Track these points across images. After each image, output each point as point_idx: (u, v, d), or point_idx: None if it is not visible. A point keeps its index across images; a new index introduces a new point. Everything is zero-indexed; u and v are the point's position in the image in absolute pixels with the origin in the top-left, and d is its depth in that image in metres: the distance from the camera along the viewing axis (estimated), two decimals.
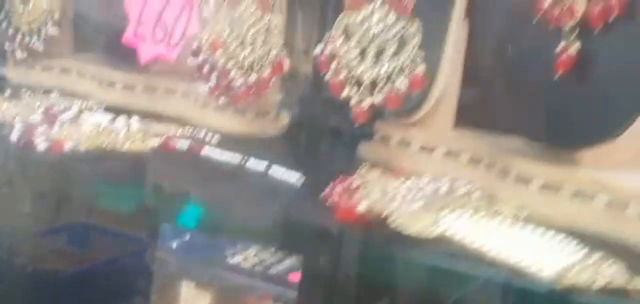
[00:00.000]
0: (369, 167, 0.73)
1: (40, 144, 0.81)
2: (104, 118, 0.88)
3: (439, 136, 0.75)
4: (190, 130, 0.86)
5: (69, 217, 1.18)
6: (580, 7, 0.60)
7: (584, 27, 0.61)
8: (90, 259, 1.13)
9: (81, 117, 0.89)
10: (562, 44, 0.62)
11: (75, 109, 0.91)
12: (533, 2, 0.64)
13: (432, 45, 0.72)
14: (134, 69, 0.95)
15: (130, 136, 0.82)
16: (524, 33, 0.67)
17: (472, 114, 0.76)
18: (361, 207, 0.62)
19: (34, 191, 1.12)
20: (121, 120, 0.86)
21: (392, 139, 0.78)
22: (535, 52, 0.66)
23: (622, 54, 0.60)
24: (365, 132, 0.78)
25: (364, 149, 0.79)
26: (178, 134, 0.85)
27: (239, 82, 0.82)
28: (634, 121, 0.59)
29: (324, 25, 0.76)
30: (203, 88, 0.87)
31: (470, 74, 0.76)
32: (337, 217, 0.64)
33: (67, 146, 0.81)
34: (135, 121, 0.86)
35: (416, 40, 0.67)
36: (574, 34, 0.61)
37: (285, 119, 0.86)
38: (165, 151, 0.82)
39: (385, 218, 0.60)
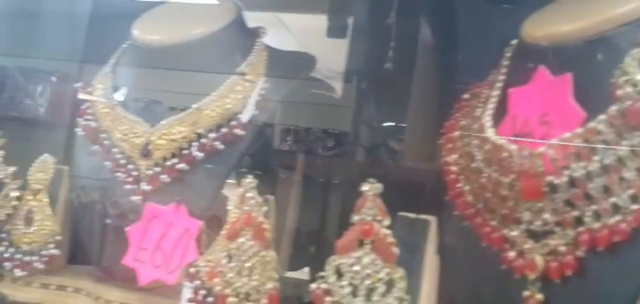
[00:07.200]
0: None
1: None
2: None
3: None
4: None
5: None
6: (539, 263, 0.73)
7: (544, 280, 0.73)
8: None
9: None
10: (527, 292, 0.73)
11: None
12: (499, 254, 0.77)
13: (412, 284, 0.83)
14: (129, 288, 1.02)
15: None
16: (493, 278, 0.79)
17: None
18: None
19: None
20: None
21: None
22: (503, 294, 0.77)
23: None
24: None
25: None
26: None
27: None
28: None
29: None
30: None
31: None
32: None
33: None
34: None
35: (402, 285, 0.77)
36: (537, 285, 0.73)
37: None
38: None
39: None
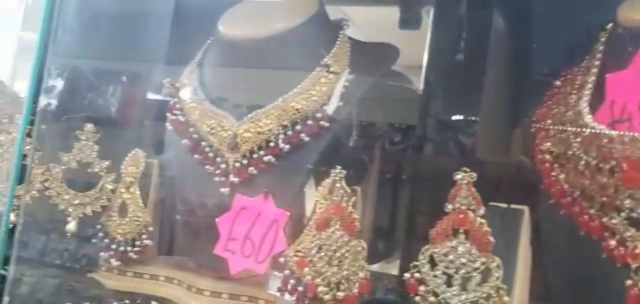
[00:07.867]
0: None
1: None
2: None
3: None
4: None
5: None
6: None
7: None
8: None
9: None
10: (630, 281, 0.71)
11: None
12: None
13: (506, 274, 0.82)
14: (220, 277, 1.05)
15: None
16: (592, 267, 0.77)
17: None
18: None
19: None
20: None
21: None
22: (603, 282, 0.76)
23: None
24: None
25: None
26: None
27: (327, 296, 0.90)
28: None
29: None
30: (288, 300, 0.95)
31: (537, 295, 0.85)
32: None
33: None
34: None
35: (499, 274, 0.77)
36: None
37: None
38: None
39: None
